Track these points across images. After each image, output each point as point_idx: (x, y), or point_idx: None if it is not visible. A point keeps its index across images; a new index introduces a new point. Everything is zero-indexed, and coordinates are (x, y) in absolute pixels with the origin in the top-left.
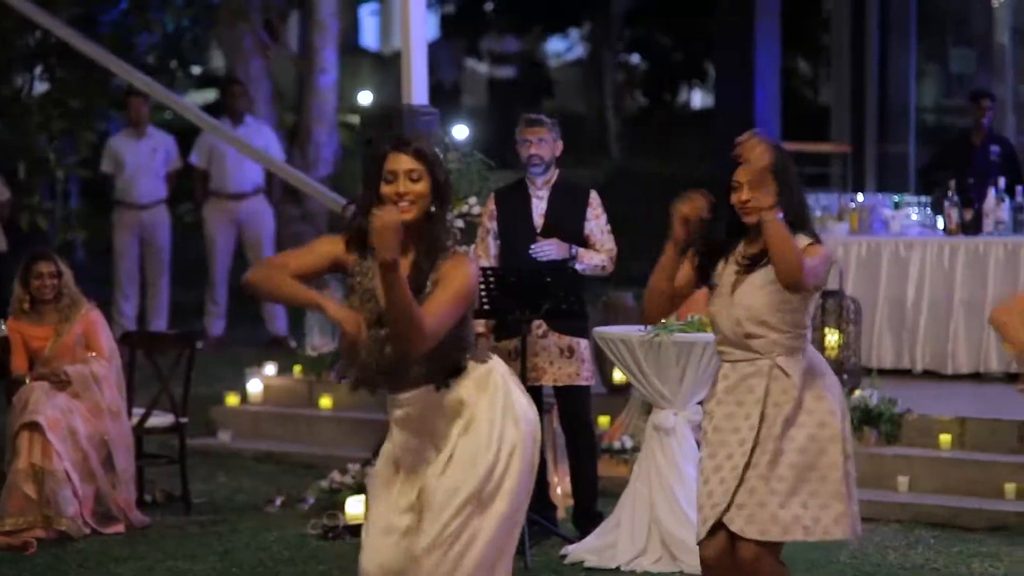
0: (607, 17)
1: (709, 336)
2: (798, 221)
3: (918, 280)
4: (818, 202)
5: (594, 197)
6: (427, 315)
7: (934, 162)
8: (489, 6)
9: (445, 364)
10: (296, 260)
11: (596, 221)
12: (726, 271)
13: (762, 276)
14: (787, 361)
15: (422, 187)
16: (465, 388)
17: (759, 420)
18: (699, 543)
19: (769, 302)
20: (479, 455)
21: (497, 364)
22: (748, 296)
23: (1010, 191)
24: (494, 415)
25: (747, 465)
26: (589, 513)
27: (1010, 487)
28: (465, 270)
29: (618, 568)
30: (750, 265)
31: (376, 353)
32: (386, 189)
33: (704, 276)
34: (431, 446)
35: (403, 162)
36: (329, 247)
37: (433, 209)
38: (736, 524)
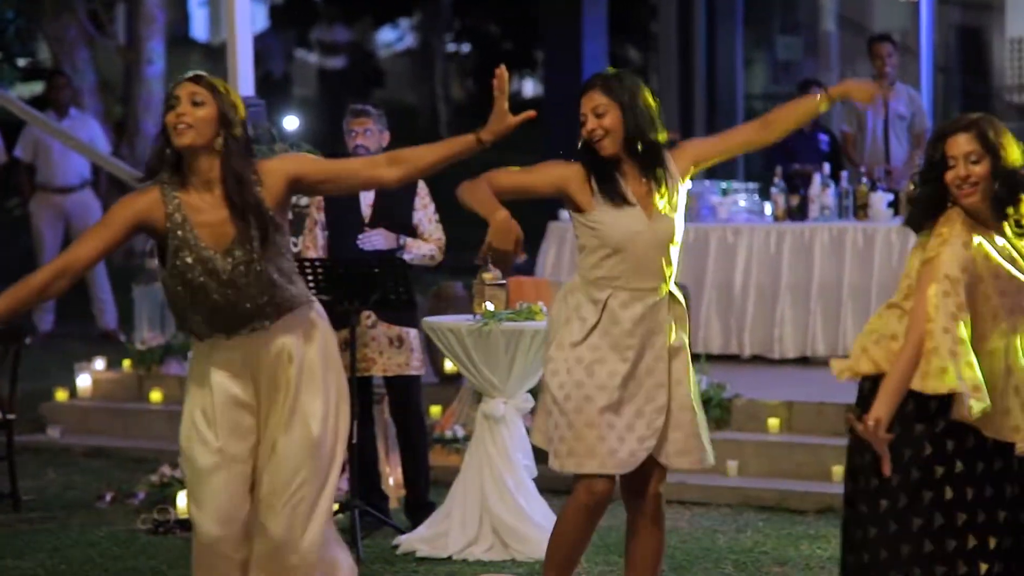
0: (436, 6)
1: (538, 324)
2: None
3: (746, 266)
4: None
5: (422, 187)
6: None
7: (772, 149)
8: None
9: (274, 300)
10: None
11: (424, 211)
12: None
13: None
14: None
15: (204, 112)
16: (292, 330)
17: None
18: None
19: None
20: (316, 410)
21: (316, 306)
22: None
23: (835, 177)
24: (323, 362)
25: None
26: (421, 503)
27: (837, 469)
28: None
29: (450, 557)
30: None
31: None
32: (168, 116)
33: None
34: (267, 393)
35: (186, 88)
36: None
37: (221, 137)
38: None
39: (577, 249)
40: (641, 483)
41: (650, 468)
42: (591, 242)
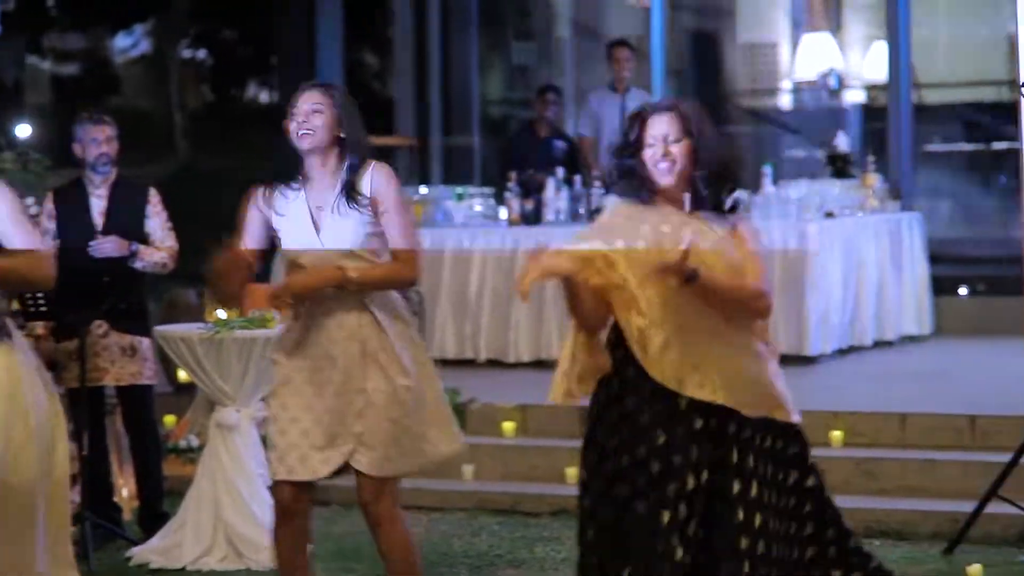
0: (171, 13)
1: (271, 332)
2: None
3: (481, 271)
4: None
5: (153, 195)
6: None
7: (507, 155)
8: (51, 2)
9: None
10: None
11: (157, 219)
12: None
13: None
14: None
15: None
16: None
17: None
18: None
19: None
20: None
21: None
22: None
23: (568, 182)
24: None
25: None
26: (155, 514)
27: (571, 472)
28: None
29: (184, 568)
30: None
31: None
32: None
33: None
34: None
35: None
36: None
37: None
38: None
39: None
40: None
41: (359, 477)
42: None
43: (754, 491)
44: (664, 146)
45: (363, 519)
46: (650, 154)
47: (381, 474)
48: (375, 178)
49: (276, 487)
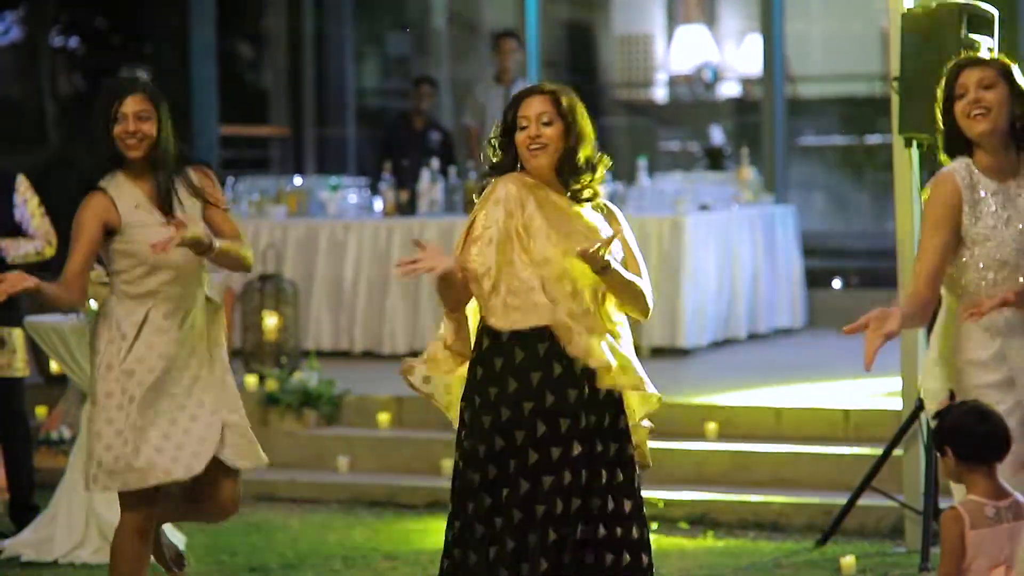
0: None
1: None
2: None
3: (356, 262)
4: (256, 186)
5: (21, 181)
6: None
7: (382, 146)
8: None
9: None
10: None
11: (26, 206)
12: None
13: None
14: None
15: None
16: None
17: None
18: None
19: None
20: None
21: None
22: None
23: (444, 173)
24: None
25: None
26: (26, 506)
27: (447, 463)
28: None
29: (56, 561)
30: None
31: None
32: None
33: None
34: None
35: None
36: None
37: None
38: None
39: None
40: None
41: None
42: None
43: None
44: (536, 127)
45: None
46: (523, 136)
47: None
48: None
49: None
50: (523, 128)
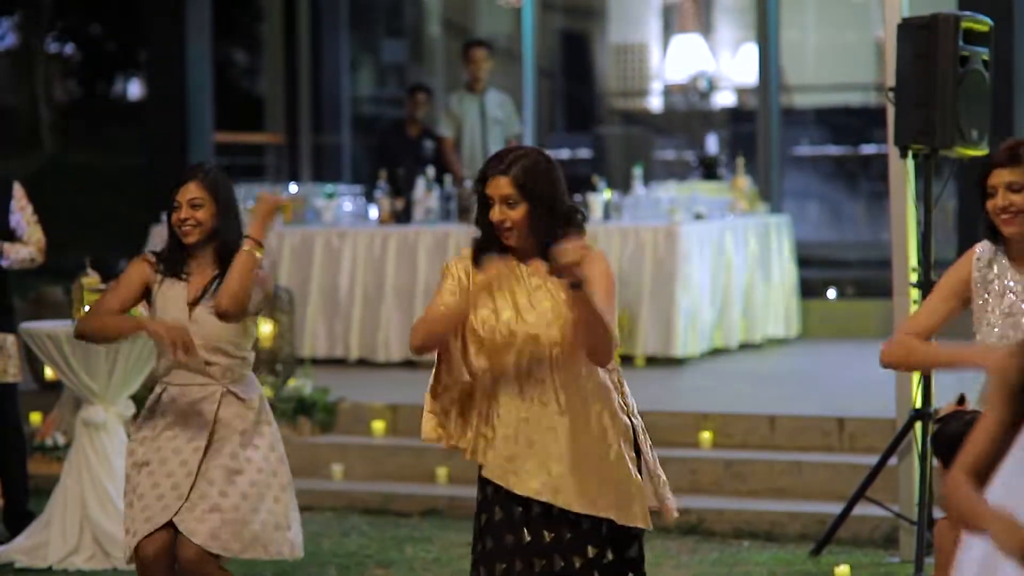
0: (37, 5)
1: None
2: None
3: (351, 269)
4: (252, 193)
5: (17, 189)
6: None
7: (377, 154)
8: None
9: None
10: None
11: (22, 213)
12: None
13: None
14: (241, 387)
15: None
16: None
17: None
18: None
19: (229, 329)
20: None
21: None
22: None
23: (439, 181)
24: None
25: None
26: (20, 512)
27: (442, 471)
28: None
29: (50, 567)
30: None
31: None
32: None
33: None
34: None
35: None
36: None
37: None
38: (187, 526)
39: None
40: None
41: None
42: None
43: None
44: (501, 211)
45: None
46: (492, 214)
47: None
48: None
49: None
50: (492, 205)
